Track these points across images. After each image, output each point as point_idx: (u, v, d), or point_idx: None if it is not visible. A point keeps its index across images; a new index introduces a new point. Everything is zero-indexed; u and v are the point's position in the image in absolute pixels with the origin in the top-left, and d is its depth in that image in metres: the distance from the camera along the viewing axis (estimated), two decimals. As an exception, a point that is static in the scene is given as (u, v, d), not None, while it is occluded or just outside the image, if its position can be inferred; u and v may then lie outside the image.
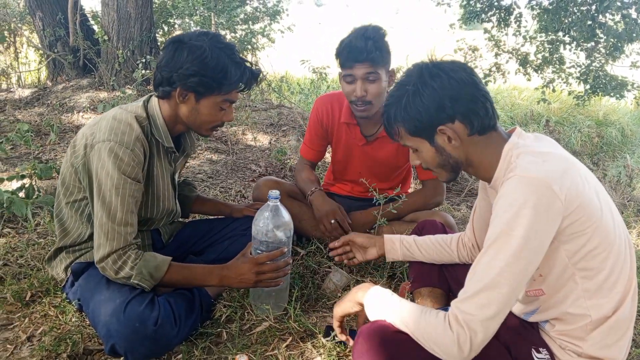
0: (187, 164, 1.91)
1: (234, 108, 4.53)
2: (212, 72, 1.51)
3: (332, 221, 2.19)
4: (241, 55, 1.63)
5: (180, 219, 2.03)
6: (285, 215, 1.67)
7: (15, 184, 2.67)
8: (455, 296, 1.59)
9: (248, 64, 1.61)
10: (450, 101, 1.19)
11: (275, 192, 1.64)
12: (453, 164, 1.27)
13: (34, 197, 2.44)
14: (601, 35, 5.89)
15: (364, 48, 1.94)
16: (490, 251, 1.10)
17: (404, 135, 1.29)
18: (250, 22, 6.62)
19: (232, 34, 6.34)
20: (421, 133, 1.25)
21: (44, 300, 1.79)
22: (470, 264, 1.63)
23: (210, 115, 1.60)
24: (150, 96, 1.67)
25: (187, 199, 2.03)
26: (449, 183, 1.40)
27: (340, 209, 2.23)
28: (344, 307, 1.41)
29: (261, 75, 1.73)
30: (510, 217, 1.07)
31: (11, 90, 5.09)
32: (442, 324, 1.11)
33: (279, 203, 1.65)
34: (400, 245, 1.71)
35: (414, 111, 1.22)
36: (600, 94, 6.23)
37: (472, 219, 1.59)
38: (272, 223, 1.63)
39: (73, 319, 1.69)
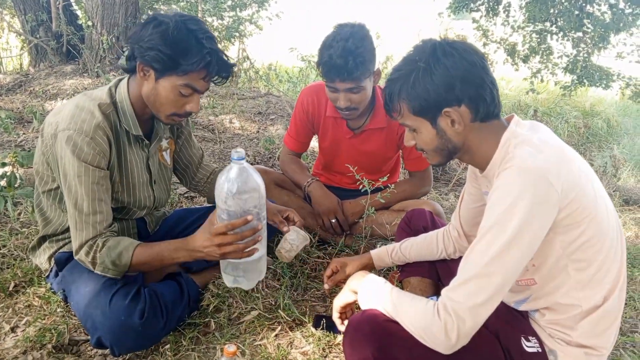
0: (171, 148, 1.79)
1: (218, 97, 4.44)
2: (169, 47, 1.39)
3: (333, 220, 2.19)
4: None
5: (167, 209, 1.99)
6: (252, 180, 1.38)
7: (-4, 172, 2.61)
8: (444, 286, 1.60)
9: (218, 52, 1.47)
10: (461, 83, 1.15)
11: (239, 152, 1.35)
12: (451, 148, 1.23)
13: (16, 185, 2.39)
14: (589, 26, 5.91)
15: (343, 67, 1.83)
16: (483, 240, 1.09)
17: (406, 113, 1.23)
18: (237, 9, 6.54)
19: (219, 21, 6.26)
20: (425, 113, 1.20)
21: (27, 290, 1.76)
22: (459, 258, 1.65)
23: (168, 98, 1.47)
24: (120, 80, 1.59)
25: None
26: (437, 167, 1.37)
27: (340, 204, 2.23)
28: (342, 297, 1.42)
29: (235, 68, 1.57)
30: (506, 207, 1.06)
31: (-8, 76, 4.97)
32: (430, 312, 1.11)
33: (244, 164, 1.37)
34: (389, 257, 1.71)
35: (422, 89, 1.17)
36: (586, 84, 6.27)
37: (459, 207, 1.57)
38: (233, 188, 1.35)
39: (58, 310, 1.66)
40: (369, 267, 1.71)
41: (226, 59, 1.50)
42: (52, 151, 1.50)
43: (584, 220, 1.10)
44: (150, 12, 5.93)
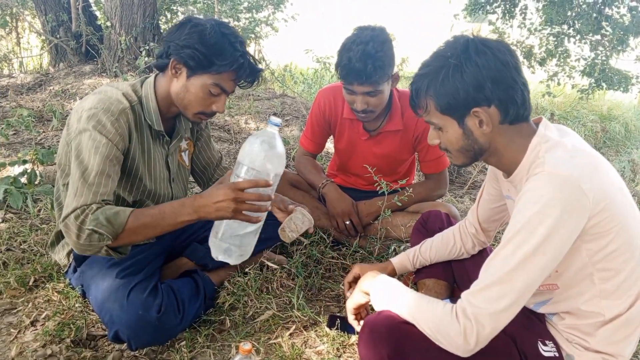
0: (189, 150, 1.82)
1: (235, 98, 4.46)
2: (205, 47, 1.46)
3: (347, 222, 2.19)
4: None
5: None
6: (281, 147, 1.40)
7: (17, 169, 2.66)
8: (460, 288, 1.59)
9: (249, 56, 1.55)
10: (492, 83, 1.11)
11: (276, 119, 1.38)
12: (477, 150, 1.20)
13: (36, 182, 2.44)
14: (607, 29, 5.84)
15: (363, 71, 1.83)
16: (509, 246, 1.07)
17: (433, 111, 1.19)
18: (254, 11, 6.58)
19: (236, 22, 6.30)
20: (453, 112, 1.16)
21: (47, 285, 1.79)
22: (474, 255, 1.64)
23: (197, 96, 1.52)
24: (146, 78, 1.64)
25: None
26: (461, 168, 1.35)
27: (355, 206, 2.23)
28: (354, 299, 1.42)
29: (261, 73, 1.64)
30: (534, 213, 1.03)
31: (13, 75, 5.07)
32: (448, 315, 1.10)
33: (277, 132, 1.40)
34: (411, 264, 1.69)
35: (451, 87, 1.13)
36: (605, 87, 6.19)
37: (477, 205, 1.56)
38: (266, 150, 1.37)
39: (76, 305, 1.69)
40: (391, 274, 1.68)
41: (255, 64, 1.57)
42: (74, 134, 1.50)
43: (613, 229, 1.07)
44: (167, 13, 6.00)
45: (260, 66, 1.61)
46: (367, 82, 1.87)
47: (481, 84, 1.11)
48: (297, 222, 1.65)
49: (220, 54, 1.47)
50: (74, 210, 1.35)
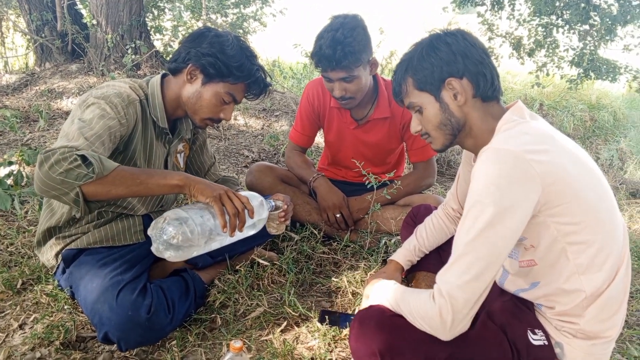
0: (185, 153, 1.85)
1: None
2: (227, 57, 1.56)
3: (338, 215, 2.20)
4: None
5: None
6: (264, 215, 1.59)
7: (3, 171, 2.63)
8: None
9: (264, 71, 1.68)
10: (462, 57, 1.23)
11: (276, 204, 1.68)
12: (454, 124, 1.27)
13: (22, 183, 2.41)
14: (595, 18, 5.86)
15: (332, 56, 1.88)
16: (467, 221, 1.11)
17: (411, 90, 1.30)
18: (241, 6, 6.53)
19: (223, 18, 6.25)
20: (429, 86, 1.27)
21: (35, 288, 1.77)
22: None
23: (210, 102, 1.61)
24: (151, 77, 1.68)
25: None
26: (443, 152, 1.41)
27: (345, 200, 2.24)
28: (361, 306, 1.47)
29: (270, 87, 1.74)
30: (482, 185, 1.08)
31: (-2, 76, 5.00)
32: (427, 298, 1.14)
33: (269, 206, 1.64)
34: (415, 256, 1.71)
35: (426, 62, 1.26)
36: (593, 77, 6.22)
37: (455, 191, 1.62)
38: (259, 203, 1.56)
39: (65, 306, 1.67)
40: (401, 272, 1.69)
41: (266, 78, 1.68)
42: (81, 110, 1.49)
43: (573, 202, 1.09)
44: (154, 10, 5.93)
45: (269, 81, 1.71)
46: (338, 68, 1.91)
47: (453, 58, 1.24)
48: (272, 215, 1.71)
49: (239, 66, 1.58)
50: (62, 147, 1.28)
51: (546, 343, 1.21)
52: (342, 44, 1.87)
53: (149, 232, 1.40)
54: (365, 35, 1.95)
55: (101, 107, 1.46)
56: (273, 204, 1.67)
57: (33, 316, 1.65)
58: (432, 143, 1.35)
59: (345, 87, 1.98)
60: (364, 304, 1.45)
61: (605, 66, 6.07)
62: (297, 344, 1.59)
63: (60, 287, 1.71)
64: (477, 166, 1.13)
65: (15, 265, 1.93)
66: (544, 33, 6.55)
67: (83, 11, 5.06)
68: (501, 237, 1.07)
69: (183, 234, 1.36)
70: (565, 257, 1.14)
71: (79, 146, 1.31)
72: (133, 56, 4.60)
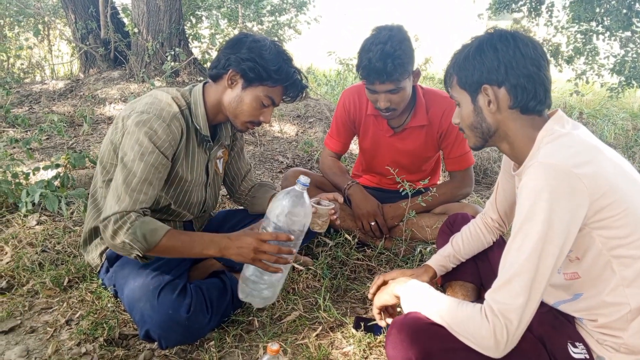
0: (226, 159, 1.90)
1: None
2: (265, 62, 1.59)
3: (372, 223, 2.20)
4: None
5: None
6: (307, 207, 1.49)
7: (50, 173, 2.75)
8: (486, 289, 1.58)
9: (301, 74, 1.70)
10: (506, 67, 1.20)
11: (305, 179, 1.46)
12: (485, 129, 1.28)
13: (68, 185, 2.52)
14: (638, 25, 5.68)
15: (383, 70, 1.88)
16: (517, 239, 1.10)
17: (454, 84, 1.32)
18: (277, 14, 6.63)
19: (259, 26, 6.36)
20: (468, 87, 1.27)
21: (80, 285, 1.84)
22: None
23: (251, 106, 1.64)
24: (194, 85, 1.73)
25: (261, 200, 1.96)
26: (477, 150, 1.41)
27: (380, 208, 2.24)
28: (382, 298, 1.45)
29: (306, 90, 1.78)
30: (531, 203, 1.07)
31: (45, 82, 5.23)
32: (478, 315, 1.11)
33: (305, 192, 1.48)
34: (450, 263, 1.68)
35: (469, 64, 1.25)
36: (635, 85, 6.01)
37: (494, 200, 1.60)
38: (290, 207, 1.46)
39: (109, 305, 1.73)
40: (433, 277, 1.67)
41: (302, 81, 1.70)
42: (122, 134, 1.57)
43: (620, 214, 1.08)
44: (192, 18, 6.09)
45: (306, 83, 1.73)
46: (388, 80, 1.91)
47: (495, 66, 1.21)
48: (321, 210, 1.70)
49: (278, 69, 1.61)
50: (114, 214, 1.45)
51: (587, 357, 1.18)
52: (392, 57, 1.87)
53: (241, 298, 1.58)
54: (411, 47, 1.97)
55: (140, 142, 1.51)
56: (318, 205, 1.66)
57: (79, 313, 1.72)
58: (467, 139, 1.37)
59: (391, 98, 1.99)
60: (388, 300, 1.43)
61: (648, 74, 5.86)
62: (332, 349, 1.60)
63: (104, 286, 1.78)
64: (524, 182, 1.11)
65: (62, 264, 2.01)
66: (583, 40, 6.38)
67: (125, 20, 5.23)
68: (552, 254, 1.06)
69: (271, 289, 1.57)
70: (610, 270, 1.12)
71: (128, 208, 1.46)
72: (172, 63, 4.73)
